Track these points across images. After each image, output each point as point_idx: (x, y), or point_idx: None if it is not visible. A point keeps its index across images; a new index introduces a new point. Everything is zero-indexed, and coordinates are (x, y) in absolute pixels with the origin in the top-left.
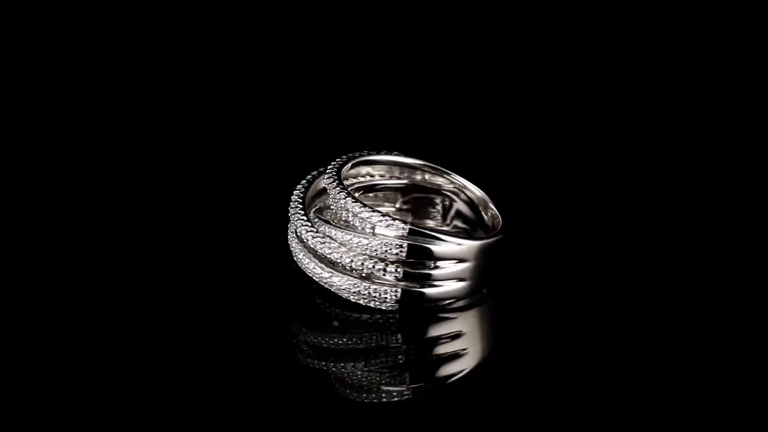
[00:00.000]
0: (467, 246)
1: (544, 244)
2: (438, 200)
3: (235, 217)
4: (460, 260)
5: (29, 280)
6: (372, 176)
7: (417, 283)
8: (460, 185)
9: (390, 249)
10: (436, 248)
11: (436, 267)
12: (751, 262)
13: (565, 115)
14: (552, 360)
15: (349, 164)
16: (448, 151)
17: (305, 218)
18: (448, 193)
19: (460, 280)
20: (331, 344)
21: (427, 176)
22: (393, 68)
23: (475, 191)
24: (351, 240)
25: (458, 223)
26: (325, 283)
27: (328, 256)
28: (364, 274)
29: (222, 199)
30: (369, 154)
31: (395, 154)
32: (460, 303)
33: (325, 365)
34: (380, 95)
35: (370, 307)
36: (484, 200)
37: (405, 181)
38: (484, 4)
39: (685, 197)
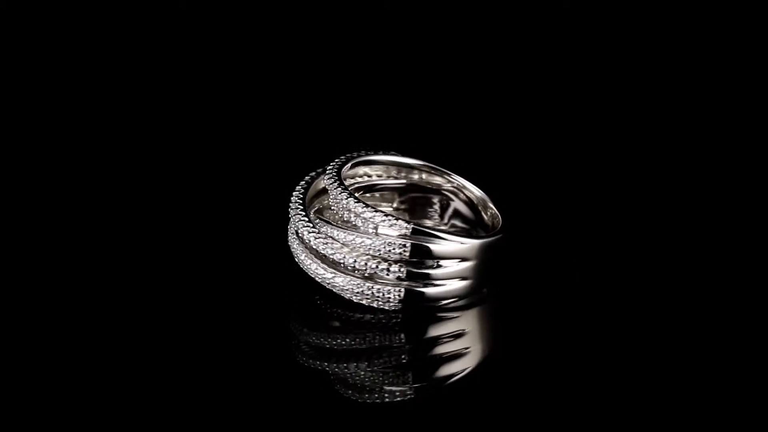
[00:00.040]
0: (470, 245)
1: (544, 242)
2: (435, 200)
3: (234, 217)
4: (463, 259)
5: (30, 281)
6: (369, 176)
7: (420, 282)
8: (459, 185)
9: (393, 249)
10: (439, 247)
11: (439, 266)
12: (750, 262)
13: (563, 114)
14: (553, 358)
15: (349, 164)
16: (447, 151)
17: (306, 219)
18: (447, 193)
19: (463, 279)
20: (334, 345)
21: (425, 176)
22: (392, 68)
23: (474, 191)
24: (354, 240)
25: (456, 222)
26: (328, 283)
27: (331, 256)
28: (367, 275)
29: (221, 200)
30: (367, 155)
31: (392, 154)
32: (462, 302)
33: (327, 366)
34: (379, 95)
35: (372, 307)
36: (483, 200)
37: (403, 181)
38: (483, 4)
39: (684, 196)
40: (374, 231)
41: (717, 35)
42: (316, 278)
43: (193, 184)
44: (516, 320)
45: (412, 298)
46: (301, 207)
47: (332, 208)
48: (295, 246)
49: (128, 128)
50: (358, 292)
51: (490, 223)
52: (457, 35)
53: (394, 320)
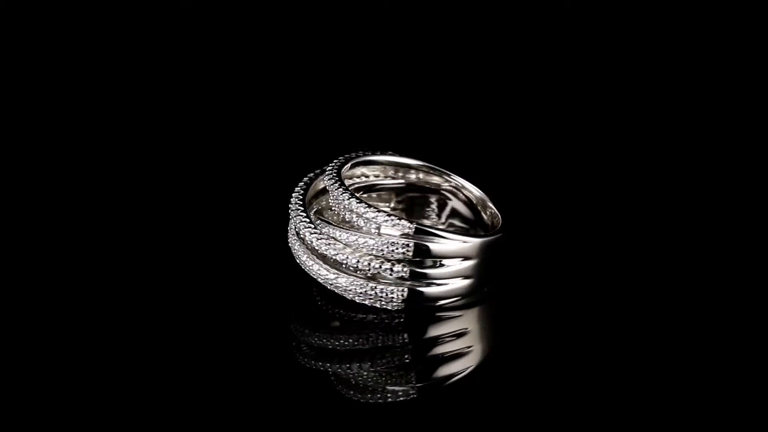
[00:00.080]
0: (472, 243)
1: (544, 241)
2: (433, 199)
3: (233, 217)
4: (465, 258)
5: (30, 281)
6: (367, 176)
7: (423, 281)
8: (458, 185)
9: (396, 248)
10: (442, 246)
11: (441, 265)
12: (750, 261)
13: (562, 114)
14: (554, 357)
15: (349, 164)
16: (446, 151)
17: (308, 220)
18: (445, 193)
19: (465, 277)
20: (337, 345)
21: (424, 176)
22: (391, 69)
23: (473, 190)
24: (357, 240)
25: (454, 221)
26: (331, 284)
27: (334, 257)
28: (369, 275)
29: (220, 200)
30: (365, 155)
31: (390, 154)
32: (464, 301)
33: (330, 367)
34: (379, 95)
35: (375, 307)
36: (482, 199)
37: (401, 181)
38: (482, 4)
39: (684, 194)
40: (377, 231)
41: (717, 35)
42: (318, 279)
43: (193, 185)
44: (517, 319)
45: (414, 298)
46: (302, 208)
47: (333, 208)
48: (296, 247)
49: (128, 128)
50: (361, 293)
51: (489, 222)
52: (456, 35)
53: (397, 320)
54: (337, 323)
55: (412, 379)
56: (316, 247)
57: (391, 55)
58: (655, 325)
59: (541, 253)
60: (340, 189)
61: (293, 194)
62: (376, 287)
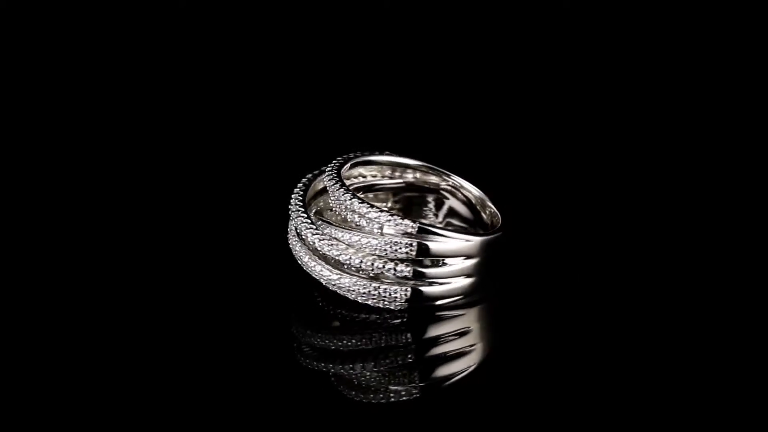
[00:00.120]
0: (474, 242)
1: (543, 240)
2: (430, 198)
3: (232, 217)
4: (468, 257)
5: (30, 281)
6: (364, 177)
7: (426, 281)
8: (457, 185)
9: (399, 248)
10: (445, 245)
11: (444, 264)
12: (750, 261)
13: (562, 114)
14: (555, 355)
15: (348, 165)
16: (445, 151)
17: (310, 221)
18: (443, 192)
19: (467, 276)
20: (340, 346)
21: (423, 176)
22: (390, 69)
23: (472, 190)
24: (360, 241)
25: (452, 221)
26: (333, 285)
27: (337, 258)
28: (372, 275)
29: (219, 200)
30: (363, 155)
31: (387, 154)
32: (466, 300)
33: (333, 367)
34: (378, 95)
35: (378, 307)
36: (481, 199)
37: (399, 181)
38: (481, 4)
39: (683, 192)
40: (379, 231)
41: (717, 35)
42: (321, 280)
43: (192, 185)
44: (518, 317)
45: (417, 297)
46: (303, 209)
47: (333, 209)
48: (297, 248)
49: (128, 129)
50: (364, 293)
51: (489, 221)
52: (455, 35)
53: (400, 320)
54: (337, 323)
55: (415, 378)
56: (318, 248)
57: (390, 56)
58: (656, 322)
59: (541, 251)
60: (342, 189)
61: (293, 195)
62: (379, 287)
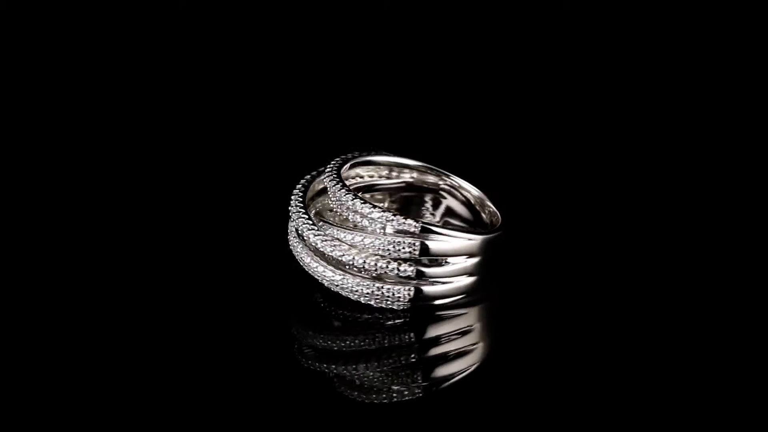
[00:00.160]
0: (477, 241)
1: (544, 239)
2: (427, 198)
3: (232, 218)
4: (470, 255)
5: (30, 281)
6: (362, 177)
7: (429, 280)
8: (456, 185)
9: (402, 248)
10: (448, 245)
11: (447, 263)
12: (750, 261)
13: (560, 114)
14: (557, 353)
15: (347, 165)
16: (445, 150)
17: (311, 222)
18: (442, 192)
19: (469, 275)
20: (343, 346)
21: (421, 176)
22: (390, 69)
23: (471, 190)
24: (362, 241)
25: (450, 220)
26: (337, 285)
27: (339, 258)
28: (375, 275)
29: (219, 200)
30: (362, 155)
31: (384, 154)
32: (468, 299)
33: (335, 368)
34: (377, 95)
35: (381, 307)
36: (480, 198)
37: (397, 181)
38: (481, 4)
39: (683, 192)
40: (382, 231)
41: (717, 35)
42: (323, 281)
43: (192, 185)
44: (520, 315)
45: (420, 297)
46: (303, 210)
47: (334, 209)
48: (298, 249)
49: (128, 129)
50: (367, 293)
51: (488, 221)
52: (454, 35)
53: (402, 319)
54: (337, 323)
55: (418, 378)
56: (320, 249)
57: (389, 56)
58: (656, 320)
59: (540, 251)
60: (343, 190)
61: (292, 196)
62: (382, 287)
